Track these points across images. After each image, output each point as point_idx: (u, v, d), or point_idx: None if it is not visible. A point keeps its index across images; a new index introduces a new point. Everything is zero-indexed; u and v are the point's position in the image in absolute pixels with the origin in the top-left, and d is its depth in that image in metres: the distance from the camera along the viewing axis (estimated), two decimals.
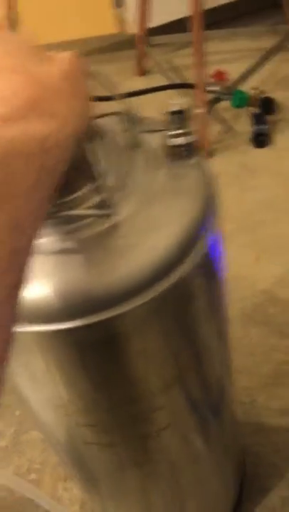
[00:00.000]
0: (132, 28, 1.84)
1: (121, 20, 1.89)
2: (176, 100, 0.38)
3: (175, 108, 0.38)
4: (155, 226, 0.37)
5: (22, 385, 0.45)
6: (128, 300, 0.36)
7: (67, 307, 0.36)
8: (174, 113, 0.39)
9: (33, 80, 0.28)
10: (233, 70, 1.63)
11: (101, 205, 0.36)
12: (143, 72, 1.89)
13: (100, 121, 0.39)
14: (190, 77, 1.70)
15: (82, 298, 0.35)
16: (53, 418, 0.47)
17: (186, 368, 0.47)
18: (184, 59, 1.87)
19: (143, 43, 1.80)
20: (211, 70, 1.48)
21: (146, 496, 0.62)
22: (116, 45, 2.03)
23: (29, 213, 0.26)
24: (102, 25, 1.86)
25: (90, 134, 0.37)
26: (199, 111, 1.46)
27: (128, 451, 0.50)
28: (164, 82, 1.79)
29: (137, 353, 0.41)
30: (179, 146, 0.40)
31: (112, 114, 0.40)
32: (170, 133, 0.40)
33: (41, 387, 0.43)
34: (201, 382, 0.52)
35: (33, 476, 0.91)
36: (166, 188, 0.39)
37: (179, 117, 0.39)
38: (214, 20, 1.76)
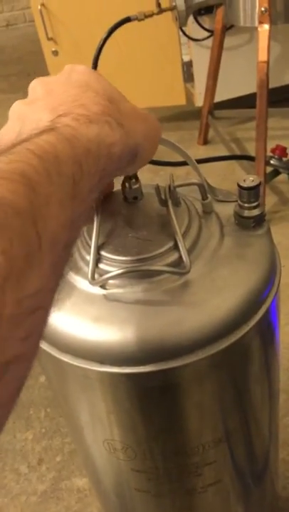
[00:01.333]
0: (199, 101, 1.95)
1: (189, 94, 2.01)
2: (251, 177, 0.42)
3: (249, 184, 0.42)
4: (221, 287, 0.41)
5: (82, 425, 0.48)
6: (191, 353, 0.39)
7: (137, 353, 0.39)
8: (247, 188, 0.43)
9: (109, 100, 0.33)
10: None
11: (177, 263, 0.40)
12: (205, 142, 1.98)
13: (180, 189, 0.44)
14: (250, 149, 1.77)
15: (150, 346, 0.39)
16: (106, 460, 0.49)
17: (236, 426, 0.48)
18: (245, 132, 1.96)
19: (207, 115, 1.90)
20: (271, 144, 1.54)
21: None
22: (182, 115, 2.15)
23: (81, 213, 0.27)
24: (172, 96, 1.97)
25: (172, 199, 0.42)
26: None
27: (173, 502, 0.51)
28: (224, 152, 1.87)
29: (193, 405, 0.43)
30: (249, 217, 0.44)
31: (190, 184, 0.45)
32: (241, 204, 0.44)
33: (99, 429, 0.46)
34: (249, 444, 0.53)
35: None
36: (233, 254, 0.43)
37: (252, 192, 0.43)
38: (277, 98, 1.84)
